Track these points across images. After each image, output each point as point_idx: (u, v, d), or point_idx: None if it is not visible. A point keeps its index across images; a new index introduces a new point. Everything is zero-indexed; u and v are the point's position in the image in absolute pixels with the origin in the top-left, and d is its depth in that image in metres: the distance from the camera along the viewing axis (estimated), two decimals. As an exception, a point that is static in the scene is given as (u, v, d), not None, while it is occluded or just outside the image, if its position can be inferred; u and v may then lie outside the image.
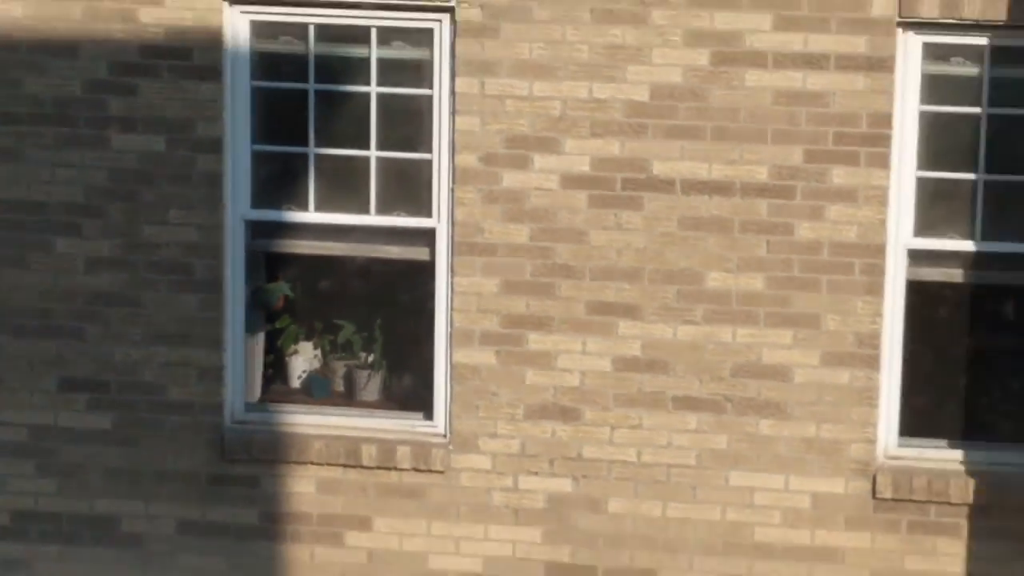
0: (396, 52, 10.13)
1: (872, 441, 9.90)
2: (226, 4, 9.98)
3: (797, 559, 9.97)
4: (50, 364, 10.32)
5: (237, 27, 10.05)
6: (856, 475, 9.88)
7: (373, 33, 10.06)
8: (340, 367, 10.58)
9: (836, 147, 9.67)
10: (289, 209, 10.26)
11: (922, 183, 9.80)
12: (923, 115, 9.75)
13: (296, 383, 10.63)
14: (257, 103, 10.19)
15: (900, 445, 9.98)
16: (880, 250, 9.73)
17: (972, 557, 9.86)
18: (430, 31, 9.96)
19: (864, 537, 9.92)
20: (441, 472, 10.16)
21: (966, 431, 10.13)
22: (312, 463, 10.23)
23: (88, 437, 10.35)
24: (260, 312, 10.54)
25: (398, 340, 10.53)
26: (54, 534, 10.43)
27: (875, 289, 9.75)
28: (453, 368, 10.11)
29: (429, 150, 10.06)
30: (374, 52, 10.10)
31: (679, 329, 9.90)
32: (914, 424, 10.03)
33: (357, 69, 10.16)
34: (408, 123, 10.11)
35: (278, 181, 10.27)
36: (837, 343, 9.80)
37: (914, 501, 9.85)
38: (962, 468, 9.89)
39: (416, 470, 10.17)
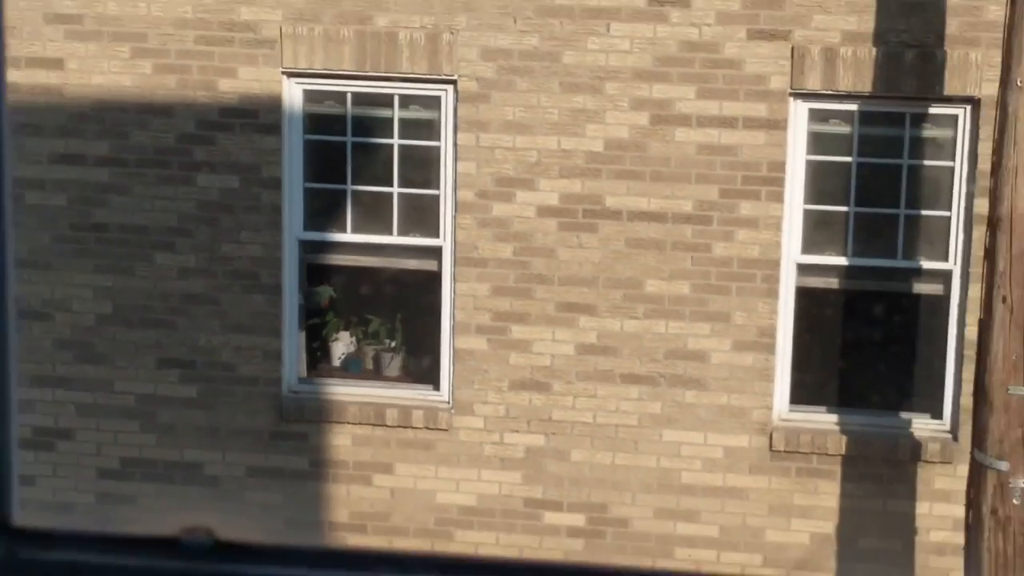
0: (413, 113, 10.03)
1: (769, 408, 9.86)
2: (284, 76, 9.89)
3: (713, 497, 9.94)
4: (151, 348, 10.23)
5: (293, 94, 9.99)
6: (757, 433, 9.87)
7: (396, 99, 9.98)
8: (370, 350, 10.48)
9: (743, 186, 9.64)
10: (332, 231, 10.22)
11: (808, 213, 9.76)
12: (808, 163, 9.71)
13: (336, 362, 10.51)
14: (308, 152, 10.09)
15: (791, 411, 9.94)
16: (776, 264, 9.71)
17: (843, 494, 9.82)
18: (438, 98, 9.90)
19: (763, 480, 9.89)
20: (445, 430, 10.11)
21: (840, 401, 10.02)
22: (348, 423, 10.19)
23: (179, 403, 10.27)
24: (310, 309, 10.42)
25: (413, 330, 10.46)
26: (153, 476, 10.32)
27: (772, 294, 9.74)
28: (455, 352, 10.07)
29: (437, 187, 10.01)
30: (396, 113, 10.01)
31: (625, 323, 9.87)
32: (801, 395, 9.96)
33: (383, 126, 10.08)
34: (421, 167, 10.07)
35: (324, 210, 10.22)
36: (743, 334, 9.79)
37: (801, 453, 9.83)
38: (837, 428, 9.87)
39: (427, 428, 10.13)
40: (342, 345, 10.54)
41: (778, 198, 9.68)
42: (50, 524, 1.20)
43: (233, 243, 10.11)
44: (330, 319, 10.51)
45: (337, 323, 10.52)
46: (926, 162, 9.74)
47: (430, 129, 10.02)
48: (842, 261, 9.84)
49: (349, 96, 10.06)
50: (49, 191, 10.13)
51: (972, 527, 8.65)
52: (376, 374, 10.48)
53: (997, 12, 9.07)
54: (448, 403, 10.20)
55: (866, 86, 9.50)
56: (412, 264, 10.23)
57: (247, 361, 10.24)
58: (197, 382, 10.29)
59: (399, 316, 10.51)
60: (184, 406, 10.32)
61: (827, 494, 9.88)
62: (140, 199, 10.10)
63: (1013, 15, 8.33)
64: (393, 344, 10.52)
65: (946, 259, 9.75)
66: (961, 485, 9.13)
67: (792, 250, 9.81)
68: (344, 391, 10.32)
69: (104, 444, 10.41)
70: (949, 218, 9.70)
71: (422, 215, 10.12)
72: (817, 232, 9.83)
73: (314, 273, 10.41)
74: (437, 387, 10.27)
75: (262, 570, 1.15)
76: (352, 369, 10.49)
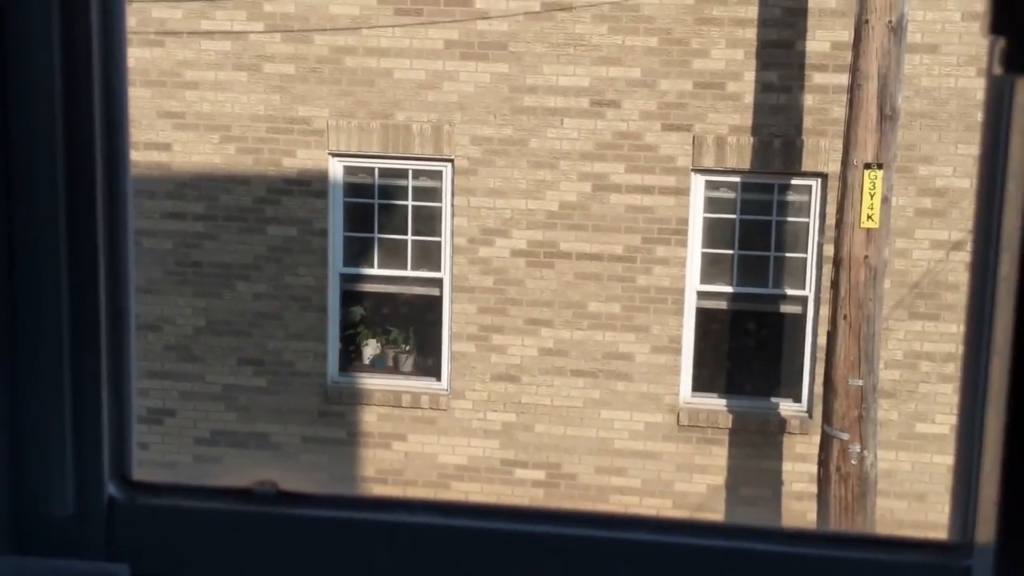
0: (422, 182, 9.98)
1: (677, 394, 9.82)
2: (330, 156, 9.85)
3: (636, 458, 9.90)
4: (232, 350, 10.19)
5: (336, 169, 9.95)
6: (668, 412, 9.84)
7: (409, 172, 9.95)
8: (390, 352, 10.39)
9: (658, 235, 9.61)
10: (364, 267, 10.17)
11: (704, 255, 9.72)
12: (705, 219, 9.67)
13: (366, 361, 10.37)
14: (346, 210, 10.03)
15: (692, 396, 9.89)
16: (682, 291, 9.69)
17: (730, 456, 9.79)
18: (441, 171, 9.87)
19: (672, 446, 9.86)
20: (445, 410, 10.08)
21: (728, 389, 9.93)
22: (374, 404, 10.14)
23: (253, 390, 10.22)
24: (347, 323, 10.32)
25: (422, 338, 10.37)
26: (234, 444, 10.25)
27: (679, 312, 9.72)
28: (452, 353, 10.04)
29: (439, 235, 9.97)
30: (410, 182, 9.98)
31: (574, 333, 9.84)
32: (700, 385, 9.91)
33: (401, 192, 10.04)
34: (428, 221, 10.02)
35: (358, 251, 10.16)
36: (658, 341, 9.76)
37: (699, 427, 9.80)
38: (725, 409, 9.83)
39: (431, 409, 10.09)
40: (370, 349, 10.47)
41: (683, 244, 9.66)
42: (159, 479, 1.20)
43: (292, 275, 10.06)
44: (361, 330, 10.44)
45: (367, 333, 10.45)
46: (789, 219, 9.72)
47: (435, 194, 9.99)
48: (729, 289, 9.82)
49: (376, 170, 10.02)
50: (160, 238, 10.09)
51: (822, 481, 8.67)
52: (395, 370, 10.41)
53: (839, 112, 9.11)
54: (447, 390, 10.16)
55: (746, 164, 9.49)
56: (421, 290, 10.19)
57: (302, 360, 10.19)
58: (266, 375, 10.24)
59: (412, 328, 10.45)
60: (256, 392, 10.27)
61: (719, 456, 9.86)
62: (226, 244, 10.08)
63: (850, 115, 8.39)
64: (407, 348, 10.45)
65: (804, 288, 9.73)
66: (815, 450, 9.15)
67: (693, 281, 9.79)
68: (372, 382, 10.27)
69: (198, 420, 10.36)
70: (806, 259, 9.69)
71: (428, 255, 10.09)
72: (711, 268, 9.81)
73: (350, 297, 10.34)
74: (439, 379, 10.22)
75: (312, 511, 1.15)
76: (377, 366, 10.42)
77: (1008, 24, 0.89)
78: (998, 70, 0.91)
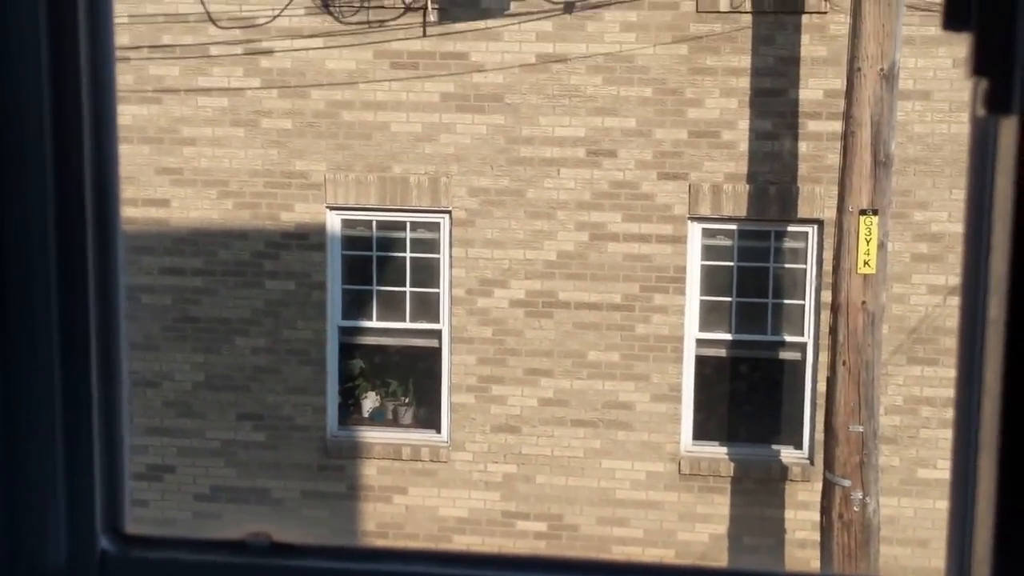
0: (420, 234, 9.99)
1: (678, 443, 9.79)
2: (328, 210, 9.87)
3: (638, 508, 9.87)
4: (232, 405, 10.16)
5: (333, 222, 9.96)
6: (669, 461, 9.80)
7: (407, 224, 9.96)
8: (390, 405, 10.36)
9: (656, 283, 9.62)
10: (362, 319, 10.15)
11: (703, 302, 9.72)
12: (702, 266, 9.68)
13: (366, 414, 10.34)
14: (344, 262, 10.03)
15: (693, 444, 9.86)
16: (681, 339, 9.68)
17: (732, 505, 9.76)
18: (438, 223, 9.88)
19: (674, 495, 9.83)
20: (445, 462, 10.04)
21: (729, 436, 9.91)
22: (374, 458, 10.10)
23: (252, 445, 10.18)
24: (346, 375, 10.30)
25: (421, 390, 10.34)
26: (234, 499, 10.16)
27: (678, 360, 9.70)
28: (451, 405, 10.01)
29: (437, 287, 9.96)
30: (408, 234, 9.98)
31: (574, 383, 9.81)
32: (701, 433, 9.88)
33: (399, 244, 10.04)
34: (426, 272, 10.02)
35: (356, 304, 10.15)
36: (658, 389, 9.74)
37: (701, 475, 9.76)
38: (727, 457, 9.80)
39: (431, 461, 10.05)
40: (370, 402, 10.44)
41: (682, 292, 9.68)
42: (156, 533, 1.20)
43: (291, 329, 10.06)
44: (361, 383, 10.42)
45: (366, 386, 10.42)
46: (786, 265, 9.74)
47: (432, 245, 10.01)
48: (728, 336, 9.81)
49: (374, 223, 10.04)
50: (158, 294, 10.09)
51: (825, 528, 8.63)
52: (394, 422, 10.37)
53: (833, 159, 9.15)
54: (447, 442, 10.12)
55: (742, 212, 9.52)
56: (420, 342, 10.17)
57: (301, 414, 10.16)
58: (265, 430, 10.21)
59: (411, 380, 10.41)
60: (256, 447, 10.24)
61: (721, 505, 9.82)
62: (224, 299, 10.07)
63: (844, 162, 8.43)
64: (407, 400, 10.42)
65: (802, 334, 9.73)
66: (817, 497, 9.11)
67: (692, 329, 9.77)
68: (371, 435, 10.23)
69: (198, 476, 10.32)
70: (804, 305, 9.69)
71: (427, 307, 10.09)
72: (710, 315, 9.81)
73: (349, 350, 10.33)
74: (439, 431, 10.18)
75: (306, 563, 1.15)
76: (377, 419, 10.38)
77: (990, 65, 0.90)
78: (981, 111, 0.92)
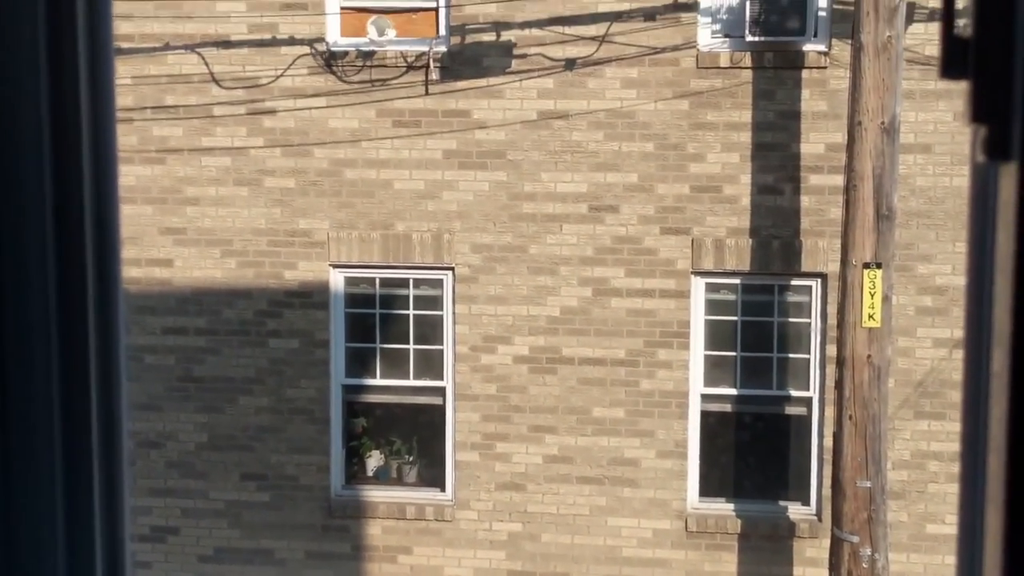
0: (423, 291, 10.01)
1: (684, 499, 9.75)
2: (331, 268, 9.90)
3: (645, 566, 9.80)
4: (236, 465, 10.13)
5: (337, 280, 9.97)
6: (676, 518, 9.76)
7: (411, 281, 9.99)
8: (394, 463, 10.32)
9: (660, 339, 9.62)
10: (366, 377, 10.14)
11: (707, 357, 9.68)
12: (707, 321, 9.67)
13: (370, 473, 10.31)
14: (348, 320, 10.04)
15: (700, 501, 9.81)
16: (686, 394, 9.66)
17: (740, 562, 9.70)
18: (441, 280, 9.90)
19: (681, 553, 9.77)
20: (450, 521, 10.00)
21: (735, 493, 9.87)
22: (379, 517, 10.05)
23: (256, 506, 10.15)
24: (350, 434, 10.27)
25: (425, 448, 10.29)
26: (238, 560, 10.10)
27: (684, 416, 9.68)
28: (455, 463, 9.97)
29: (441, 344, 9.96)
30: (411, 291, 10.00)
31: (578, 439, 9.78)
32: (707, 489, 9.83)
33: (402, 301, 10.06)
34: (430, 329, 10.03)
35: (360, 362, 10.15)
36: (664, 446, 9.71)
37: (708, 532, 9.71)
38: (734, 513, 9.75)
39: (436, 520, 10.01)
40: (374, 460, 10.40)
41: (686, 347, 9.66)
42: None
43: (295, 388, 10.05)
44: (364, 441, 10.39)
45: (370, 444, 10.39)
46: (790, 319, 9.73)
47: (435, 302, 10.01)
48: (733, 391, 9.79)
49: (377, 280, 10.06)
50: (162, 354, 10.09)
51: (834, 583, 8.55)
52: (399, 481, 10.33)
53: (836, 212, 9.18)
54: (451, 501, 10.08)
55: (746, 266, 9.53)
56: (423, 400, 10.15)
57: (305, 474, 10.12)
58: (269, 490, 10.17)
59: (415, 438, 10.37)
60: (260, 508, 10.19)
61: (728, 563, 9.75)
62: (228, 358, 10.07)
63: (847, 215, 8.45)
64: (411, 458, 10.38)
65: (808, 389, 9.70)
66: (825, 554, 9.04)
67: (697, 384, 9.76)
68: (376, 494, 10.20)
69: (201, 537, 10.27)
70: (809, 359, 9.68)
71: (430, 364, 10.08)
72: (714, 370, 9.80)
73: (353, 408, 10.31)
74: (443, 489, 10.14)
75: None
76: (381, 477, 10.35)
77: (988, 112, 0.90)
78: (980, 158, 0.93)
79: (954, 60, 0.94)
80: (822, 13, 9.29)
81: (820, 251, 9.41)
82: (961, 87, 0.95)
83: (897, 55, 8.28)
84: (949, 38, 0.95)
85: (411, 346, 10.07)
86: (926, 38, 9.07)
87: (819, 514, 9.65)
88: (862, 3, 8.30)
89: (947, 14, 0.98)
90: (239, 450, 10.13)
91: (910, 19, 8.78)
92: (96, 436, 1.16)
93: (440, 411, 10.05)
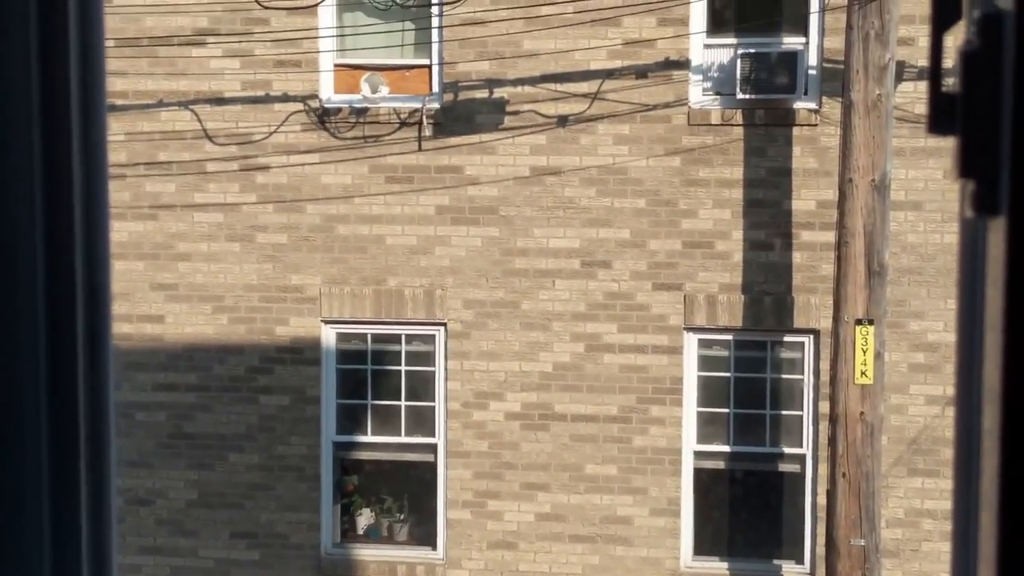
0: (415, 347, 9.99)
1: (678, 558, 9.69)
2: (322, 323, 9.90)
3: (639, 624, 9.78)
4: (226, 524, 10.07)
5: (328, 336, 9.97)
6: (670, 576, 9.76)
7: (402, 337, 9.98)
8: (385, 522, 10.26)
9: (653, 395, 9.58)
10: (357, 434, 10.10)
11: (700, 414, 9.66)
12: (699, 377, 9.68)
13: (360, 532, 10.25)
14: (339, 376, 10.03)
15: (693, 560, 9.73)
16: (679, 451, 9.63)
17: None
18: (434, 336, 9.90)
19: (675, 611, 9.71)
20: (441, 579, 10.00)
21: (729, 551, 9.78)
22: None
23: (245, 564, 10.05)
24: (341, 492, 10.23)
25: (417, 506, 10.23)
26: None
27: (677, 473, 9.64)
28: (447, 521, 9.92)
29: (433, 400, 9.92)
30: (403, 347, 9.99)
31: (571, 497, 9.72)
32: (701, 548, 9.77)
33: (394, 357, 10.04)
34: (421, 385, 10.00)
35: (351, 418, 10.12)
36: (657, 503, 9.66)
37: (702, 590, 9.69)
38: (727, 572, 9.66)
39: (428, 578, 10.04)
40: (364, 518, 10.34)
41: (679, 403, 9.65)
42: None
43: (285, 445, 10.01)
44: (355, 499, 10.34)
45: (360, 502, 10.34)
46: (783, 376, 9.72)
47: (428, 358, 10.00)
48: (726, 448, 9.76)
49: (369, 336, 10.05)
50: (152, 410, 10.06)
51: (829, 643, 8.49)
52: (390, 539, 10.27)
53: (827, 269, 9.20)
54: (443, 560, 10.00)
55: (738, 322, 9.55)
56: (415, 457, 10.11)
57: (295, 532, 10.06)
58: (260, 548, 10.10)
59: (406, 495, 10.32)
60: (250, 567, 10.11)
61: (722, 621, 9.67)
62: (218, 415, 10.03)
63: (839, 272, 8.48)
64: (402, 516, 10.31)
65: (801, 446, 9.67)
66: (820, 612, 8.97)
67: (690, 441, 9.72)
68: (367, 552, 10.12)
69: (190, 595, 10.20)
70: (802, 416, 9.66)
71: (422, 420, 10.04)
72: (707, 427, 9.77)
73: (344, 466, 10.26)
74: (434, 548, 10.07)
75: None
76: (372, 536, 10.28)
77: (976, 167, 0.91)
78: (969, 213, 0.93)
79: (942, 116, 0.95)
80: (812, 71, 9.37)
81: (812, 307, 9.43)
82: (950, 144, 0.96)
83: (887, 113, 8.35)
84: (937, 95, 0.96)
85: (403, 402, 10.04)
86: (915, 96, 9.14)
87: (813, 573, 9.58)
88: (852, 62, 8.38)
89: (935, 70, 0.99)
90: (229, 508, 10.06)
91: (899, 78, 8.86)
92: (85, 493, 1.15)
93: (431, 468, 10.01)
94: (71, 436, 1.15)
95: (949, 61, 0.97)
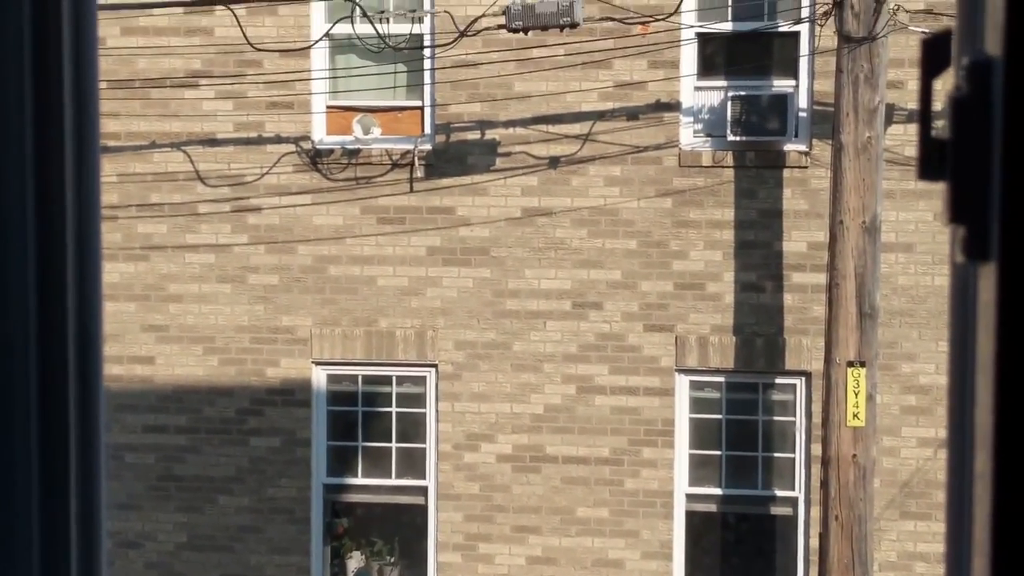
0: (406, 388, 9.99)
1: (670, 600, 9.71)
2: (313, 365, 9.89)
3: (631, 669, 9.72)
4: (215, 566, 9.99)
5: (319, 377, 9.96)
6: (662, 620, 9.67)
7: (393, 379, 9.98)
8: (375, 565, 10.19)
9: (645, 437, 9.59)
10: (348, 476, 10.07)
11: (692, 456, 9.65)
12: (691, 419, 9.66)
13: (351, 575, 10.18)
14: (330, 418, 10.01)
15: (686, 602, 9.70)
16: (671, 494, 9.61)
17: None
18: (425, 377, 9.88)
19: (668, 655, 9.64)
20: (432, 623, 9.91)
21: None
22: (360, 619, 10.02)
23: (234, 607, 10.07)
24: (331, 534, 10.19)
25: (407, 549, 10.18)
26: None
27: (669, 516, 9.63)
28: (437, 564, 9.86)
29: (424, 442, 9.90)
30: (394, 389, 9.99)
31: (562, 540, 9.69)
32: (693, 590, 9.78)
33: (384, 399, 10.03)
34: (412, 427, 9.97)
35: (342, 461, 10.09)
36: (649, 546, 9.63)
37: (694, 634, 9.61)
38: (720, 615, 9.78)
39: (418, 622, 9.95)
40: (355, 562, 10.27)
41: (670, 445, 9.64)
42: None
43: (275, 487, 9.98)
44: (346, 542, 10.28)
45: (351, 545, 10.28)
46: (775, 418, 9.72)
47: (419, 400, 9.99)
48: (718, 491, 9.74)
49: (360, 377, 10.05)
50: (142, 453, 10.02)
51: None
52: (380, 582, 10.24)
53: (819, 310, 9.21)
54: (434, 602, 9.96)
55: (730, 364, 9.55)
56: (406, 499, 10.07)
57: (285, 575, 10.00)
58: (248, 591, 10.04)
59: (396, 538, 10.26)
60: (238, 609, 10.05)
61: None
62: (208, 457, 10.00)
63: (830, 313, 8.49)
64: (392, 559, 10.25)
65: (793, 488, 9.65)
66: (813, 656, 8.92)
67: (682, 483, 9.70)
68: (357, 595, 10.07)
69: (178, 640, 10.11)
70: (794, 459, 9.64)
71: (413, 463, 10.02)
72: (699, 469, 9.75)
73: (334, 508, 10.22)
74: (425, 591, 10.02)
75: None
76: (362, 579, 10.28)
77: (966, 212, 0.92)
78: (960, 258, 0.94)
79: (932, 161, 0.95)
80: (802, 114, 9.43)
81: (804, 349, 9.44)
82: (940, 186, 0.97)
83: (877, 155, 8.40)
84: (927, 140, 0.97)
85: (393, 444, 10.02)
86: (905, 139, 9.20)
87: (806, 616, 9.54)
88: (842, 104, 8.43)
89: (924, 116, 1.00)
90: (219, 551, 10.01)
91: (889, 120, 8.92)
92: (75, 536, 1.15)
93: (422, 511, 9.97)
94: (62, 479, 1.15)
95: (939, 105, 0.98)
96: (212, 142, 9.94)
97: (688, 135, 9.59)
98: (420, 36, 9.70)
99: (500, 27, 8.82)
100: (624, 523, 9.65)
